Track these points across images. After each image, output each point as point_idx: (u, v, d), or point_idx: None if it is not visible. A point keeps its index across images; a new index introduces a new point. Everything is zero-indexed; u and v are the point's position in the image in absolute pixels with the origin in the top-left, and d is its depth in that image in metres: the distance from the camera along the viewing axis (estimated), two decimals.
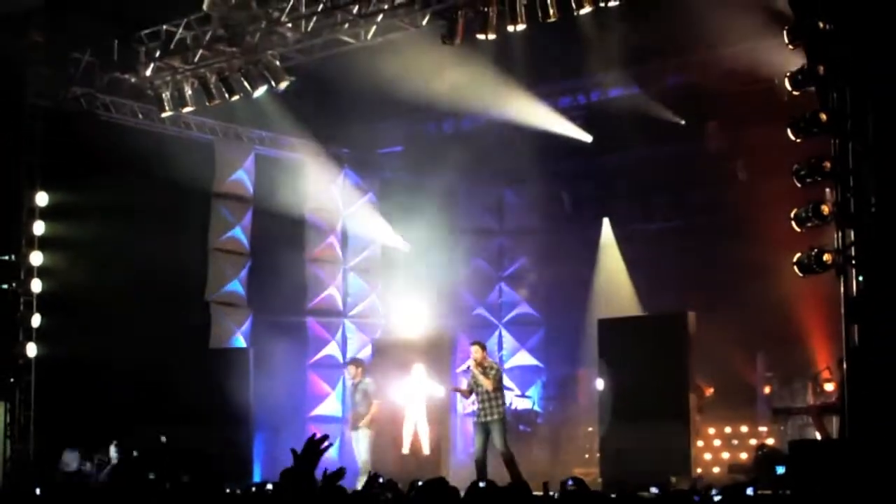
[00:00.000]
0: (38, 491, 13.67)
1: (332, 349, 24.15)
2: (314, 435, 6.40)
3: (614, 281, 22.62)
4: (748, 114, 19.82)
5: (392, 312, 24.27)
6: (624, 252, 22.76)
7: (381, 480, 12.66)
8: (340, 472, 6.60)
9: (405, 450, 20.88)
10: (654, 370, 18.80)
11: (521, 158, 21.83)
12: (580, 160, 22.73)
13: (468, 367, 18.08)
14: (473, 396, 18.14)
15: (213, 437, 19.57)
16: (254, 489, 13.46)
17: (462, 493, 9.85)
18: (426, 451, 20.93)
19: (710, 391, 20.22)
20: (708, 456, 19.98)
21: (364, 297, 24.52)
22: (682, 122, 21.08)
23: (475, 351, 18.25)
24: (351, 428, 19.63)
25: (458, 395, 19.25)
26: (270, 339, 22.39)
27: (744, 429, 20.34)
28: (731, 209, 20.86)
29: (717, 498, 10.89)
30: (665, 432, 18.49)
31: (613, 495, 9.95)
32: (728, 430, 20.39)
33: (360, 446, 19.30)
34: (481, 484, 10.27)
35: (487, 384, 17.92)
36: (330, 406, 23.72)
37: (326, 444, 6.38)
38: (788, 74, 14.86)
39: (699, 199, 21.66)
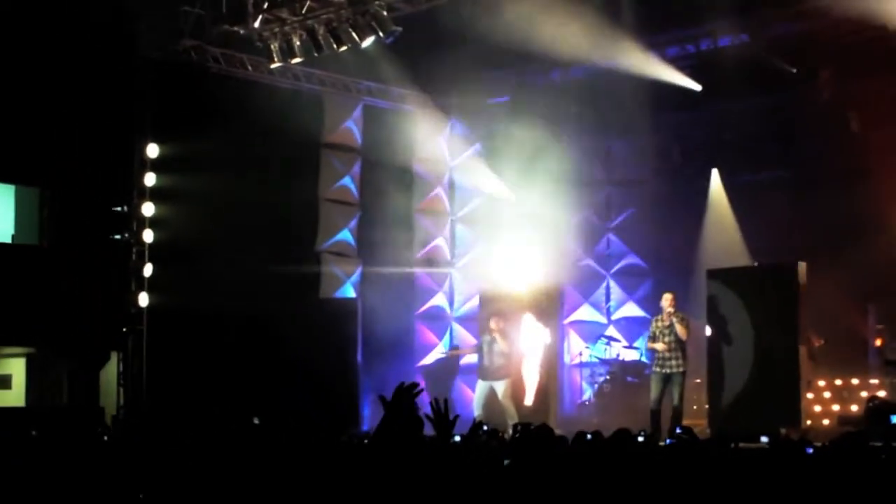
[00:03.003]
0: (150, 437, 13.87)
1: (439, 300, 24.21)
2: (402, 383, 6.33)
3: (723, 231, 22.40)
4: (861, 62, 19.53)
5: (499, 263, 24.25)
6: (733, 202, 22.53)
7: (485, 428, 12.70)
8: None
9: (528, 401, 21.07)
10: (764, 321, 18.67)
11: (630, 108, 21.63)
12: (689, 110, 22.50)
13: (666, 315, 18.24)
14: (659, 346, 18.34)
15: (321, 386, 19.79)
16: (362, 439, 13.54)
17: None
18: (528, 402, 21.09)
19: (820, 342, 20.03)
20: (818, 408, 19.79)
21: (471, 247, 24.49)
22: (794, 71, 20.77)
23: (671, 299, 18.37)
24: (486, 378, 20.21)
25: (650, 347, 19.22)
26: (379, 290, 22.52)
27: (854, 381, 20.08)
28: (843, 159, 20.57)
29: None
30: (774, 384, 18.38)
31: (723, 445, 9.88)
32: (838, 382, 20.15)
33: (503, 397, 20.28)
34: (588, 436, 10.27)
35: (683, 333, 18.04)
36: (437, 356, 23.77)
37: (417, 390, 6.31)
38: None
39: (810, 148, 21.33)
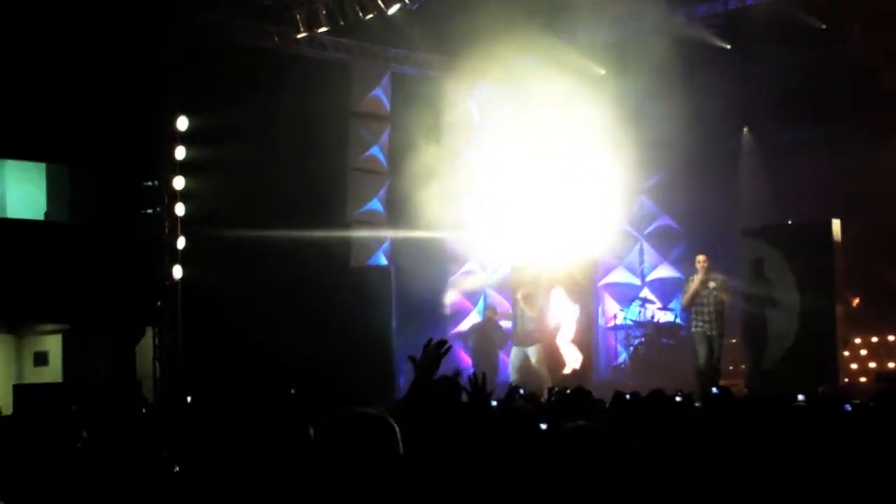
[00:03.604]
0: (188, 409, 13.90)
1: (472, 266, 24.15)
2: (430, 340, 6.25)
3: (756, 191, 22.27)
4: (892, 16, 19.37)
5: (533, 229, 24.10)
6: (765, 161, 22.39)
7: (521, 392, 12.69)
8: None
9: (567, 370, 21.08)
10: (799, 279, 18.58)
11: (660, 68, 21.47)
12: (719, 70, 22.36)
13: (703, 278, 18.19)
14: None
15: (355, 355, 19.79)
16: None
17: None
18: (566, 371, 21.10)
19: (855, 300, 19.94)
20: (854, 366, 19.72)
21: (504, 212, 24.32)
22: (824, 27, 20.62)
23: (703, 261, 18.32)
24: (519, 344, 20.27)
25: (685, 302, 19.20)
26: (411, 257, 22.48)
27: (891, 338, 20.02)
28: (875, 115, 20.41)
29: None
30: (811, 342, 18.30)
31: (761, 404, 9.86)
32: (874, 339, 20.10)
33: (536, 363, 20.38)
34: (627, 396, 10.25)
35: (726, 297, 18.02)
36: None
37: (445, 347, 6.25)
38: None
39: (842, 105, 21.16)
